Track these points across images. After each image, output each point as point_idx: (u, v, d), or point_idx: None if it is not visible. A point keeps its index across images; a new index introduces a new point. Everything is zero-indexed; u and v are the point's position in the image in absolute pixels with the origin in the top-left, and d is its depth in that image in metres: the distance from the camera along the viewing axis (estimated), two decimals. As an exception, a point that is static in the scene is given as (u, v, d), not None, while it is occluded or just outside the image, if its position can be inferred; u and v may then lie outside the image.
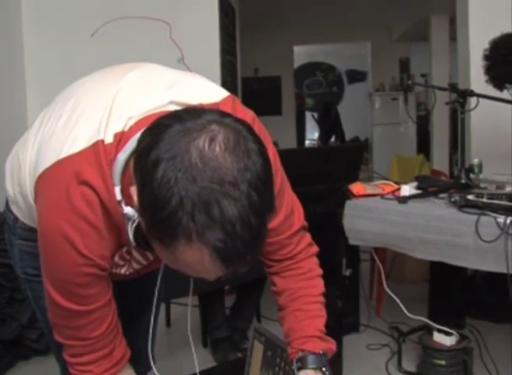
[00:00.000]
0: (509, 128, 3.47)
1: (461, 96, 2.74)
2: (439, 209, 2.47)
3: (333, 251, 2.91)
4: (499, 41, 2.93)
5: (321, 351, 1.35)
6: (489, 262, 2.19)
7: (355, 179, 3.13)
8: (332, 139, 11.65)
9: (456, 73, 4.88)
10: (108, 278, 1.20)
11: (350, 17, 8.49)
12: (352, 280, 3.41)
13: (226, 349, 3.08)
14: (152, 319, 1.42)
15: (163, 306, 3.60)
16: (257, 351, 1.79)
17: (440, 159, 7.24)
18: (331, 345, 1.39)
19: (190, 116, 0.95)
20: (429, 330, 2.86)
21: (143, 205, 0.94)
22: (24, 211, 1.34)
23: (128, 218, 1.03)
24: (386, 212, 2.60)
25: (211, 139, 0.91)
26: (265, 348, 1.76)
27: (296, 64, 11.63)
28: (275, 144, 9.18)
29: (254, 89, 9.44)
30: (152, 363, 1.41)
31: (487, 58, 2.94)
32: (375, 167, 8.93)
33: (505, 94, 2.91)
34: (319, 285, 1.43)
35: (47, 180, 1.12)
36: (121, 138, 1.08)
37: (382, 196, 2.80)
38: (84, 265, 1.10)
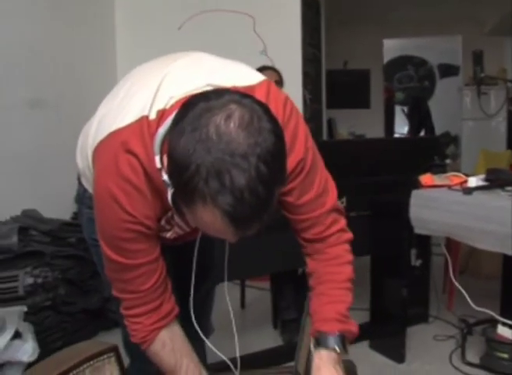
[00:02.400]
0: None
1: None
2: (502, 201, 2.48)
3: (400, 241, 2.96)
4: None
5: (336, 332, 1.41)
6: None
7: (427, 170, 3.15)
8: (422, 133, 11.47)
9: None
10: (156, 238, 1.34)
11: (442, 10, 8.35)
12: (422, 272, 3.44)
13: (293, 330, 3.18)
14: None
15: (238, 288, 3.75)
16: (308, 326, 1.87)
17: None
18: (350, 327, 1.45)
19: (214, 95, 1.07)
20: (495, 324, 2.86)
21: (169, 171, 1.09)
22: (91, 182, 1.47)
23: (167, 185, 1.15)
24: (451, 203, 2.63)
25: (227, 116, 1.02)
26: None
27: (387, 57, 11.49)
28: (363, 136, 9.14)
29: (342, 82, 9.43)
30: (197, 327, 1.54)
31: None
32: (463, 162, 8.76)
33: None
34: (347, 271, 1.49)
35: (101, 149, 1.28)
36: (162, 115, 1.23)
37: (449, 187, 2.83)
38: (129, 222, 1.25)
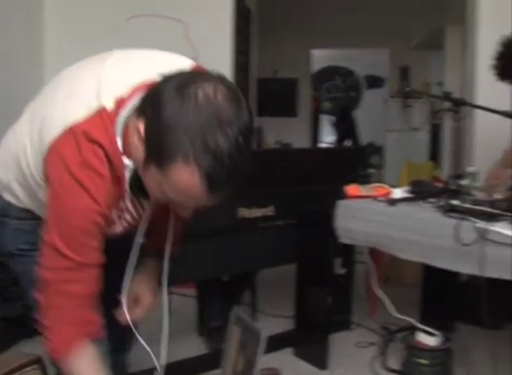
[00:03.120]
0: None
1: (455, 105, 2.82)
2: (425, 212, 2.56)
3: (325, 250, 3.01)
4: None
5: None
6: (467, 265, 2.28)
7: (352, 180, 3.21)
8: (347, 143, 11.70)
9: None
10: (103, 240, 1.37)
11: (370, 23, 8.57)
12: (346, 280, 3.51)
13: (220, 338, 3.19)
14: None
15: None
16: (235, 334, 1.89)
17: (449, 167, 7.27)
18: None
19: (192, 74, 1.23)
20: (415, 331, 2.94)
21: (151, 132, 1.17)
22: (20, 195, 1.50)
23: (128, 167, 1.26)
24: (375, 213, 2.70)
25: (215, 88, 1.16)
26: (242, 332, 1.86)
27: (316, 67, 11.69)
28: (290, 144, 9.18)
29: (271, 90, 9.53)
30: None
31: (502, 52, 2.99)
32: (387, 172, 8.98)
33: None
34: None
35: (59, 144, 1.29)
36: (120, 102, 1.29)
37: (374, 198, 2.90)
38: (94, 211, 1.29)
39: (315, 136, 11.12)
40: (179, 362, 2.85)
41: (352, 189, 3.03)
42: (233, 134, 1.13)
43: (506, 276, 2.18)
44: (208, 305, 3.30)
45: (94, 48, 1.76)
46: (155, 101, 1.17)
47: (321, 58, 11.62)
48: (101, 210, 1.30)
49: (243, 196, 2.97)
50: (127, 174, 1.28)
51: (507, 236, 2.11)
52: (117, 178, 1.30)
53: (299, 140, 9.44)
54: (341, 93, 13.30)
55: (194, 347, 3.22)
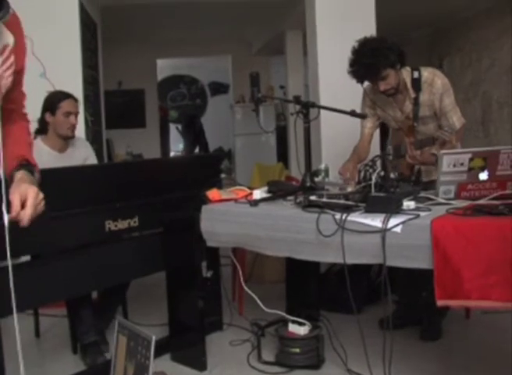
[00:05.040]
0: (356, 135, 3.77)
1: (304, 107, 3.02)
2: (286, 210, 2.72)
3: (192, 255, 3.09)
4: (368, 39, 3.25)
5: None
6: (330, 255, 2.45)
7: (213, 186, 3.32)
8: (197, 150, 11.87)
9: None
10: None
11: (213, 31, 8.76)
12: (214, 282, 3.61)
13: (95, 353, 3.18)
14: None
15: (32, 318, 3.63)
16: (122, 343, 1.93)
17: (298, 166, 7.60)
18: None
19: None
20: (285, 323, 3.11)
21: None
22: None
23: None
24: (239, 215, 2.82)
25: None
26: (128, 339, 1.90)
27: (161, 77, 11.74)
28: (140, 155, 9.14)
29: (117, 102, 9.46)
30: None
31: (356, 52, 3.21)
32: (238, 176, 9.23)
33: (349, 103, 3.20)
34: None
35: None
36: None
37: (235, 200, 3.03)
38: None
39: (165, 145, 11.17)
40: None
41: (213, 194, 3.14)
42: None
43: (366, 260, 2.38)
44: (79, 321, 3.27)
45: None
46: None
47: (165, 67, 11.69)
48: None
49: (109, 209, 2.99)
50: None
51: (363, 224, 2.31)
52: None
53: (149, 150, 9.44)
54: (187, 101, 13.45)
55: (71, 365, 3.19)
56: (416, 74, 3.32)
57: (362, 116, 3.27)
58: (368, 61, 3.13)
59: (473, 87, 7.96)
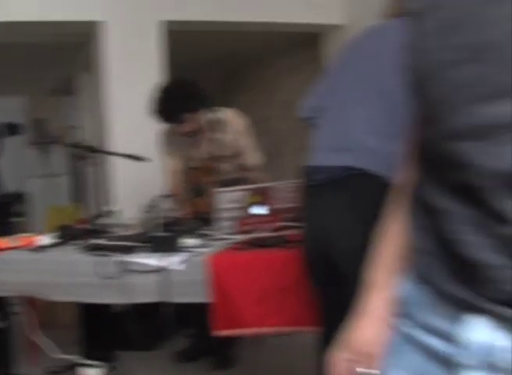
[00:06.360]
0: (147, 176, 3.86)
1: (89, 151, 3.07)
2: (71, 255, 2.75)
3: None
4: (168, 85, 3.41)
5: None
6: (114, 296, 2.52)
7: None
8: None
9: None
10: None
11: (7, 72, 8.52)
12: (6, 334, 3.49)
13: None
14: None
15: None
16: None
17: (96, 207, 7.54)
18: None
19: None
20: (78, 368, 3.09)
21: None
22: None
23: None
24: (25, 263, 2.79)
25: None
26: None
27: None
28: None
29: None
30: None
31: (156, 98, 3.30)
32: (34, 219, 8.91)
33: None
34: None
35: None
36: None
37: (18, 248, 2.98)
38: None
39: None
40: None
41: (1, 242, 3.06)
42: None
43: (153, 298, 2.47)
44: None
45: None
46: None
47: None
48: None
49: None
50: None
51: (143, 264, 2.41)
52: None
53: None
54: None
55: None
56: (216, 115, 3.47)
57: (140, 159, 3.35)
58: (167, 107, 3.25)
59: (261, 123, 8.44)
